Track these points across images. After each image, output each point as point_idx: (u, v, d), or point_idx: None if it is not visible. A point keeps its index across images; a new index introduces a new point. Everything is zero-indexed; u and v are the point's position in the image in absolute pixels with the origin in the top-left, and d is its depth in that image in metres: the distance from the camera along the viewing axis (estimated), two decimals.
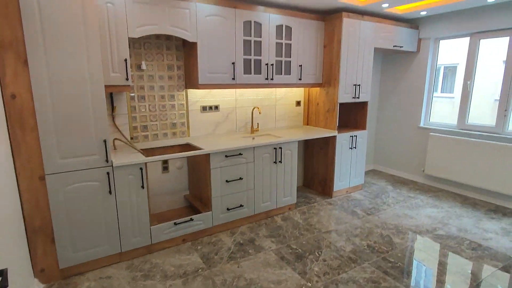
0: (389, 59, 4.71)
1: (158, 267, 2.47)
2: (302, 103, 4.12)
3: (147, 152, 2.93)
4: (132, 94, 2.90)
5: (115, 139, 2.73)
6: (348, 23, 3.48)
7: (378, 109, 4.99)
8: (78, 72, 2.12)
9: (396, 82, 4.66)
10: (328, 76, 3.71)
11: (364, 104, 4.00)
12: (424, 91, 4.34)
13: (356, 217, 3.37)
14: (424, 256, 2.64)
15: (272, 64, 3.31)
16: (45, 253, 2.21)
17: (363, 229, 3.10)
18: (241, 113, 3.61)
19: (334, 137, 3.72)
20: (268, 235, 2.98)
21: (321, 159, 3.98)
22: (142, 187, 2.49)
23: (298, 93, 4.05)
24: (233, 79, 3.08)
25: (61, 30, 2.02)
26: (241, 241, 2.86)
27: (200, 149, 2.81)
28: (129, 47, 2.79)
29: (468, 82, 3.90)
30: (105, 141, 2.28)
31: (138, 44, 2.85)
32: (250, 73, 3.19)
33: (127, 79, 2.51)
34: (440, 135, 4.11)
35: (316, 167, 4.10)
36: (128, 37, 2.49)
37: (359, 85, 3.77)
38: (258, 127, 3.73)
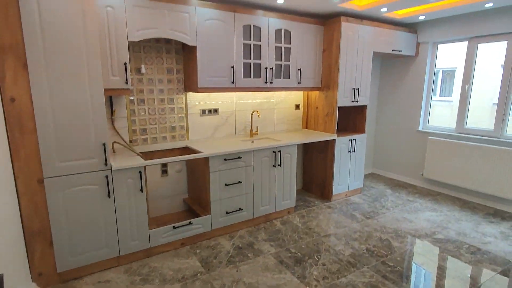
0: (388, 63, 4.73)
1: (156, 271, 2.46)
2: (301, 107, 4.13)
3: (146, 155, 2.93)
4: (132, 98, 2.90)
5: (114, 142, 2.73)
6: (347, 27, 3.49)
7: (377, 113, 5.01)
8: (77, 75, 2.12)
9: (395, 86, 4.68)
10: (327, 80, 3.72)
11: (363, 108, 4.01)
12: (422, 95, 4.35)
13: (355, 220, 3.37)
14: (423, 260, 2.63)
15: (272, 68, 3.32)
16: (43, 256, 2.20)
17: (362, 233, 3.10)
18: (240, 116, 3.61)
19: (333, 140, 3.72)
20: (267, 238, 2.97)
21: (320, 162, 3.99)
22: (141, 190, 2.48)
23: (297, 96, 4.06)
24: (233, 82, 3.09)
25: (61, 34, 2.03)
26: (240, 245, 2.85)
27: (199, 152, 2.81)
28: (129, 51, 2.80)
29: (467, 86, 3.92)
30: (104, 144, 2.28)
31: (137, 48, 2.86)
32: (250, 77, 3.20)
33: (126, 82, 2.51)
34: (439, 139, 4.12)
35: (315, 170, 4.10)
36: (128, 41, 2.50)
37: (358, 89, 3.79)
38: (257, 131, 3.73)
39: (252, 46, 3.15)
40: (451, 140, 3.99)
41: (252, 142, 3.41)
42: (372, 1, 3.31)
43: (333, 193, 3.88)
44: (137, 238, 2.54)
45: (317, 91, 3.91)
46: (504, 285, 2.31)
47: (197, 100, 3.27)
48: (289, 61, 3.46)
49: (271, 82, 3.35)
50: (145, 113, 2.99)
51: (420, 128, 4.46)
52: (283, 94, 3.92)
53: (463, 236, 3.03)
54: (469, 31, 3.73)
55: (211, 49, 2.91)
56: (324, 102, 3.82)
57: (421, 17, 3.89)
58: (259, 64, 3.24)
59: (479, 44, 3.78)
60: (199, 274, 2.41)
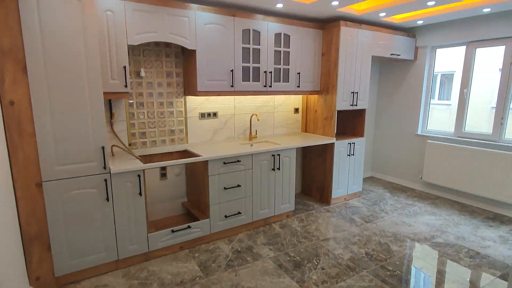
0: (387, 67, 4.75)
1: (155, 275, 2.45)
2: (300, 110, 4.14)
3: (145, 158, 2.93)
4: (131, 101, 2.91)
5: (113, 145, 2.73)
6: (345, 32, 3.51)
7: (375, 117, 5.02)
8: (77, 79, 2.12)
9: (394, 90, 4.70)
10: (326, 84, 3.73)
11: (362, 112, 4.02)
12: (421, 99, 4.37)
13: (354, 224, 3.36)
14: (422, 264, 2.63)
15: (271, 72, 3.33)
16: (41, 260, 2.19)
17: (361, 236, 3.09)
18: (240, 120, 3.62)
19: (332, 144, 3.73)
20: (266, 242, 2.97)
21: (319, 166, 3.99)
22: (140, 194, 2.48)
23: (296, 100, 4.07)
24: (232, 86, 3.09)
25: (61, 38, 2.03)
26: (239, 249, 2.84)
27: (198, 156, 2.81)
28: (128, 54, 2.80)
29: (465, 90, 3.93)
30: (103, 147, 2.27)
31: (137, 51, 2.86)
32: (249, 81, 3.21)
33: (126, 86, 2.52)
34: (438, 142, 4.12)
35: (314, 174, 4.10)
36: (127, 44, 2.50)
37: (357, 92, 3.80)
38: (256, 134, 3.73)
39: (251, 50, 3.17)
40: (450, 144, 4.00)
41: (251, 145, 3.41)
42: (371, 6, 3.34)
43: (332, 197, 3.88)
44: (136, 242, 2.53)
45: (316, 95, 3.92)
46: None
47: (197, 103, 3.27)
48: (288, 65, 3.47)
49: (270, 86, 3.36)
50: (144, 116, 2.99)
51: (419, 132, 4.47)
52: (282, 97, 3.93)
53: (462, 240, 3.03)
54: (467, 36, 3.76)
55: (211, 53, 2.92)
56: (323, 105, 3.83)
57: (420, 22, 3.92)
58: (258, 68, 3.25)
59: (477, 49, 3.80)
60: (197, 278, 2.40)
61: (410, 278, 2.44)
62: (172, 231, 2.71)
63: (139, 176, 2.45)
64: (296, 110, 4.10)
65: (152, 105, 3.02)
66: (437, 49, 4.24)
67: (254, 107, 3.71)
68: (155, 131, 3.08)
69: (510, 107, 3.60)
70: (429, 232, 3.20)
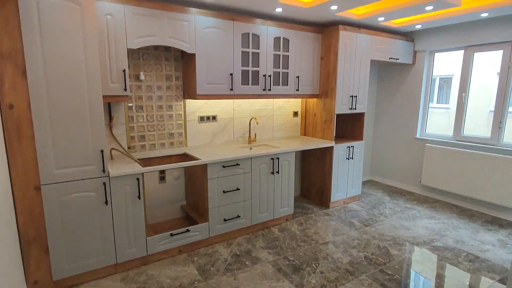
0: (385, 71, 4.77)
1: (153, 279, 2.44)
2: (299, 114, 4.15)
3: (144, 162, 2.93)
4: (130, 104, 2.91)
5: (112, 148, 2.73)
6: (344, 36, 3.53)
7: (374, 120, 5.03)
8: (76, 82, 2.13)
9: (392, 94, 4.71)
10: (325, 87, 3.75)
11: (360, 115, 4.03)
12: (420, 103, 4.38)
13: (353, 228, 3.36)
14: (421, 268, 2.62)
15: (270, 75, 3.34)
16: (39, 264, 2.18)
17: (361, 240, 3.09)
18: (239, 123, 3.62)
19: (331, 147, 3.73)
20: (265, 246, 2.96)
21: (318, 169, 3.99)
22: (139, 197, 2.47)
23: (295, 104, 4.08)
24: (231, 89, 3.10)
25: (60, 41, 2.04)
26: (238, 253, 2.83)
27: (197, 159, 2.81)
28: (128, 58, 2.81)
29: (463, 94, 3.95)
30: (102, 151, 2.27)
31: (136, 55, 2.87)
32: (248, 84, 3.22)
33: (125, 89, 2.52)
34: (436, 146, 4.13)
35: (313, 177, 4.10)
36: (127, 48, 2.51)
37: (356, 96, 3.81)
38: (255, 138, 3.74)
39: (250, 53, 3.18)
40: (449, 148, 4.01)
41: (250, 149, 3.41)
42: (370, 10, 3.36)
43: (331, 200, 3.88)
44: (134, 246, 2.53)
45: (315, 99, 3.93)
46: None
47: (196, 107, 3.28)
48: (288, 68, 3.48)
49: (270, 89, 3.37)
50: (143, 119, 3.00)
51: (418, 135, 4.48)
52: (281, 101, 3.94)
53: (461, 244, 3.03)
54: (465, 40, 3.78)
55: (210, 57, 2.93)
56: (322, 109, 3.84)
57: (418, 26, 3.94)
58: (258, 71, 3.26)
59: (475, 53, 3.82)
60: (196, 282, 2.39)
61: (409, 282, 2.43)
62: (171, 234, 2.70)
63: (138, 179, 2.44)
64: (295, 114, 4.11)
65: (151, 108, 3.02)
66: (435, 53, 4.26)
67: (253, 110, 3.72)
68: (154, 134, 3.08)
69: (508, 111, 3.61)
70: (428, 235, 3.20)
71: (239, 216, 3.08)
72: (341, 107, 3.70)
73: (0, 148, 1.91)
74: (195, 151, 3.16)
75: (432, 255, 2.83)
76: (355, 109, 3.84)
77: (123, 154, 2.84)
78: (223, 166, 2.89)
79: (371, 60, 3.95)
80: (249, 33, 3.13)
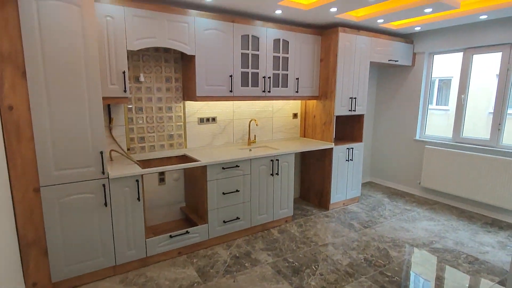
0: (385, 73, 4.78)
1: (153, 280, 2.43)
2: (299, 116, 4.15)
3: (144, 163, 2.92)
4: (130, 106, 2.91)
5: (112, 150, 2.73)
6: (344, 38, 3.54)
7: (374, 122, 5.04)
8: (76, 83, 2.13)
9: (392, 96, 4.72)
10: (325, 89, 3.75)
11: (360, 117, 4.03)
12: (419, 105, 4.39)
13: (353, 230, 3.36)
14: (421, 270, 2.62)
15: (269, 77, 3.35)
16: (38, 266, 2.17)
17: (360, 242, 3.09)
18: (238, 125, 3.62)
19: (331, 149, 3.73)
20: (265, 248, 2.95)
21: (318, 171, 3.99)
22: (138, 199, 2.47)
23: (295, 105, 4.09)
24: (231, 91, 3.10)
25: (60, 43, 2.04)
26: (237, 254, 2.83)
27: (197, 160, 2.81)
28: (128, 59, 2.81)
29: (462, 96, 3.96)
30: (101, 152, 2.27)
31: (136, 57, 2.88)
32: (248, 86, 3.22)
33: (125, 91, 2.52)
34: (436, 147, 4.14)
35: (313, 179, 4.10)
36: (127, 50, 2.51)
37: (355, 98, 3.82)
38: (255, 139, 3.74)
39: (250, 55, 3.18)
40: (448, 149, 4.01)
41: (250, 150, 3.41)
42: (369, 12, 3.37)
43: (331, 202, 3.88)
44: (134, 247, 2.52)
45: (314, 100, 3.94)
46: None
47: (195, 108, 3.28)
48: (287, 70, 3.49)
49: (269, 91, 3.37)
50: (143, 121, 3.00)
51: (417, 137, 4.48)
52: (281, 103, 3.95)
53: (460, 246, 3.03)
54: (464, 42, 3.79)
55: (210, 58, 2.93)
56: (322, 111, 3.84)
57: (417, 28, 3.95)
58: (257, 73, 3.26)
59: (474, 55, 3.83)
60: (195, 284, 2.39)
61: (409, 284, 2.43)
62: (170, 236, 2.70)
63: (137, 181, 2.44)
64: (295, 115, 4.11)
65: (151, 110, 3.02)
66: (434, 55, 4.27)
67: (253, 112, 3.72)
68: (154, 136, 3.08)
69: (507, 112, 3.62)
70: (427, 237, 3.20)
71: (239, 218, 3.08)
72: (341, 108, 3.71)
73: (0, 150, 1.91)
74: (194, 152, 3.16)
75: (432, 257, 2.83)
76: (355, 110, 3.85)
77: (123, 156, 2.84)
78: (223, 168, 2.89)
79: (371, 62, 3.96)
80: (248, 35, 3.13)
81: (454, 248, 2.98)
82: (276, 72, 3.41)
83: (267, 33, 3.25)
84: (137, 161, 2.83)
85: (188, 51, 2.81)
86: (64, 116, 2.11)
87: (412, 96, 4.46)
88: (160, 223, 3.21)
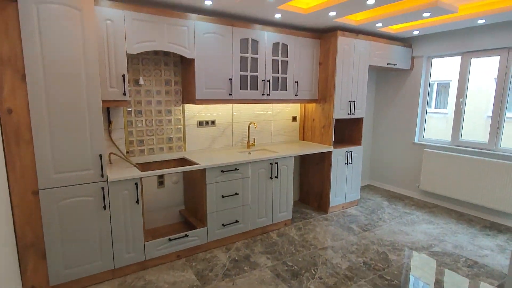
0: (384, 76, 4.80)
1: (151, 284, 2.42)
2: (298, 119, 4.16)
3: (143, 166, 2.92)
4: (129, 109, 2.91)
5: (111, 153, 2.73)
6: (343, 41, 3.56)
7: (373, 125, 5.05)
8: (75, 87, 2.13)
9: (391, 99, 4.74)
10: (324, 93, 3.76)
11: (359, 120, 4.05)
12: (418, 108, 4.40)
13: (352, 233, 3.35)
14: (420, 273, 2.62)
15: (269, 80, 3.36)
16: (36, 269, 2.16)
17: (359, 245, 3.08)
18: (238, 128, 3.63)
19: (330, 152, 3.74)
20: (264, 251, 2.95)
21: (317, 174, 3.99)
22: (137, 202, 2.47)
23: (294, 108, 4.10)
24: (230, 94, 3.11)
25: (60, 46, 2.05)
26: (236, 258, 2.82)
27: (196, 164, 2.81)
28: (127, 63, 2.82)
29: (461, 100, 3.97)
30: (100, 156, 2.27)
31: (136, 60, 2.88)
32: (247, 89, 3.23)
33: (124, 94, 2.53)
34: (435, 151, 4.15)
35: (312, 182, 4.10)
36: (127, 53, 2.52)
37: (354, 101, 3.83)
38: (254, 142, 3.74)
39: (249, 59, 3.20)
40: (447, 153, 4.02)
41: (249, 153, 3.42)
42: (368, 16, 3.39)
43: (330, 205, 3.87)
44: (132, 251, 2.51)
45: (313, 104, 3.95)
46: None
47: (195, 111, 3.28)
48: (286, 73, 3.50)
49: (268, 94, 3.38)
50: (142, 124, 3.00)
51: (416, 140, 4.49)
52: (280, 106, 3.96)
53: (460, 249, 3.03)
54: (462, 46, 3.81)
55: (209, 62, 2.94)
56: (321, 114, 3.85)
57: (416, 32, 3.97)
58: (257, 76, 3.27)
59: (472, 59, 3.85)
60: None
61: None
62: (169, 239, 2.69)
63: (136, 184, 2.44)
64: (294, 119, 4.12)
65: (150, 113, 3.03)
66: (433, 59, 4.29)
67: (252, 115, 3.73)
68: (153, 139, 3.08)
69: (506, 116, 3.63)
70: (427, 241, 3.20)
71: (238, 221, 3.07)
72: (340, 112, 3.72)
73: None
74: (194, 155, 3.16)
75: (431, 260, 2.83)
76: (354, 114, 3.86)
77: (122, 159, 2.84)
78: (222, 171, 2.89)
79: (369, 66, 3.98)
80: (248, 39, 3.15)
81: (453, 252, 2.98)
82: (276, 75, 3.42)
83: (267, 37, 3.26)
84: (136, 164, 2.83)
85: (187, 54, 2.82)
86: (63, 119, 2.12)
87: (411, 100, 4.47)
88: (159, 226, 3.20)
